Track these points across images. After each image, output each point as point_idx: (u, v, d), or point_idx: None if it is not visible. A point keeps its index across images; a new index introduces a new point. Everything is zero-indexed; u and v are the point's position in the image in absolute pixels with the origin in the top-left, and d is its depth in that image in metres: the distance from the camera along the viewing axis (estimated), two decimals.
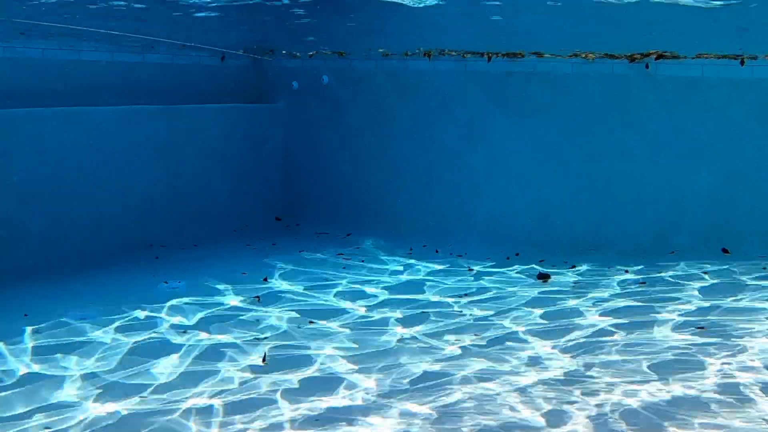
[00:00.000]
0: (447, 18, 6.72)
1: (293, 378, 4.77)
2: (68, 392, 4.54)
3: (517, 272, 7.53)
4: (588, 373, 4.83)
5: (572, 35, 7.53)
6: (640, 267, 7.56)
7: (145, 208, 8.42)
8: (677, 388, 4.54)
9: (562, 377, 4.77)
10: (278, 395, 4.50)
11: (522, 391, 4.54)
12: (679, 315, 6.04)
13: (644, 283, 7.04)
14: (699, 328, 5.69)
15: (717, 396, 4.43)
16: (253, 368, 4.95)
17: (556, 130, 8.58)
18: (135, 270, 7.42)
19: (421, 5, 6.10)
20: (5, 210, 7.15)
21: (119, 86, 8.50)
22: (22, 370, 4.87)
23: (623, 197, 8.39)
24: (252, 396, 4.50)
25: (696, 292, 6.67)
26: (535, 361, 5.07)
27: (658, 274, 7.28)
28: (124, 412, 4.27)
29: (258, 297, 6.65)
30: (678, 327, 5.74)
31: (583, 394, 4.49)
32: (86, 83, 8.17)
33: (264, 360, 5.11)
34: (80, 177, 7.80)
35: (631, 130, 8.32)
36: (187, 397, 4.46)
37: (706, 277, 7.16)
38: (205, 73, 9.51)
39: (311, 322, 5.95)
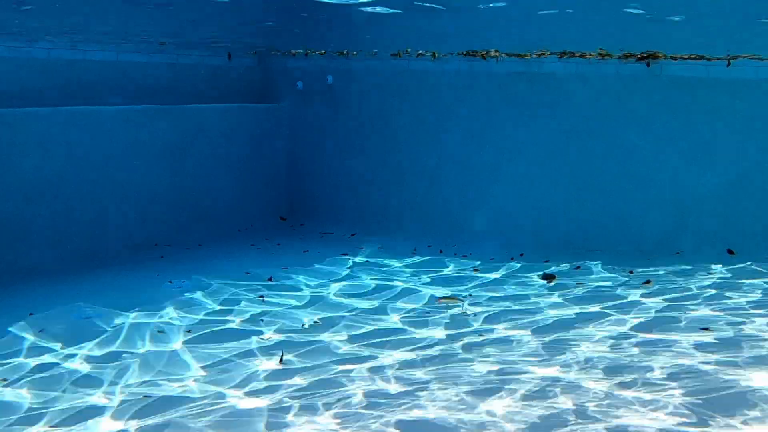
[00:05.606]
0: (450, 18, 6.73)
1: None
2: None
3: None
4: None
5: (576, 36, 7.52)
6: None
7: (150, 207, 8.44)
8: None
9: None
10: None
11: None
12: None
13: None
14: (703, 329, 5.68)
15: None
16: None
17: (560, 130, 8.55)
18: (139, 269, 7.43)
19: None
20: (10, 209, 7.17)
21: (124, 86, 8.51)
22: None
23: (628, 198, 8.37)
24: None
25: None
26: None
27: None
28: None
29: (262, 296, 6.65)
30: None
31: None
32: (91, 83, 8.19)
33: (281, 361, 5.10)
34: (85, 176, 7.82)
35: (636, 130, 8.29)
36: None
37: None
38: (209, 74, 9.52)
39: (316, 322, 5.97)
